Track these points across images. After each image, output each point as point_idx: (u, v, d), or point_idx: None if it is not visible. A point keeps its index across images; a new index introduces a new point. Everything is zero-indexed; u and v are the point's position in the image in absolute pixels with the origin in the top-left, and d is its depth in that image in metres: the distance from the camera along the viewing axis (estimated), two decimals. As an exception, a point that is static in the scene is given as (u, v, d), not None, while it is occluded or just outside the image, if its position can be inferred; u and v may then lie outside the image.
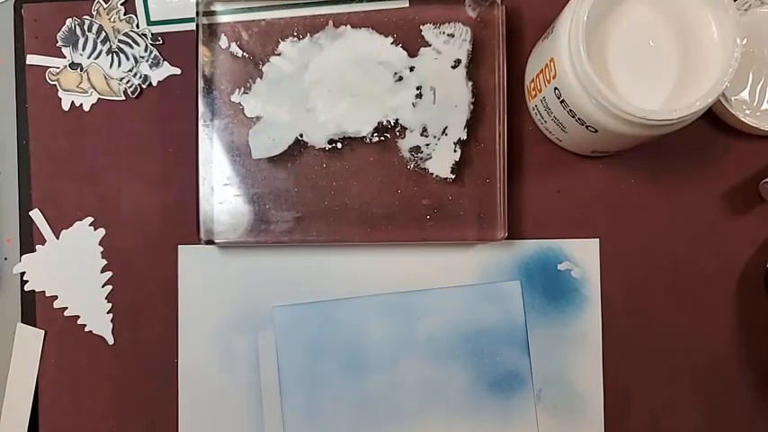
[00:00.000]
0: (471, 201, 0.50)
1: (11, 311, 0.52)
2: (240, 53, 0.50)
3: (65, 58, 0.52)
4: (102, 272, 0.52)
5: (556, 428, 0.52)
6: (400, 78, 0.49)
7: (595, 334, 0.52)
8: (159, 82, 0.52)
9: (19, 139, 0.52)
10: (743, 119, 0.49)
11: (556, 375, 0.52)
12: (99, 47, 0.52)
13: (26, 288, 0.52)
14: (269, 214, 0.49)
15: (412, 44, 0.50)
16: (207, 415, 0.51)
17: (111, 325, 0.52)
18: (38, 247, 0.52)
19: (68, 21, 0.52)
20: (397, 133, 0.50)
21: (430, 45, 0.50)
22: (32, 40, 0.52)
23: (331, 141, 0.49)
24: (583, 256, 0.52)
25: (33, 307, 0.52)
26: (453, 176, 0.49)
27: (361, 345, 0.51)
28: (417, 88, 0.49)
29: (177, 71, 0.52)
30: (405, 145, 0.50)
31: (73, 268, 0.52)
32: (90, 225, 0.52)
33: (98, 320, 0.52)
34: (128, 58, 0.52)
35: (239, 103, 0.49)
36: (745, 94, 0.51)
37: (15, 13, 0.52)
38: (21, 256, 0.52)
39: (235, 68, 0.50)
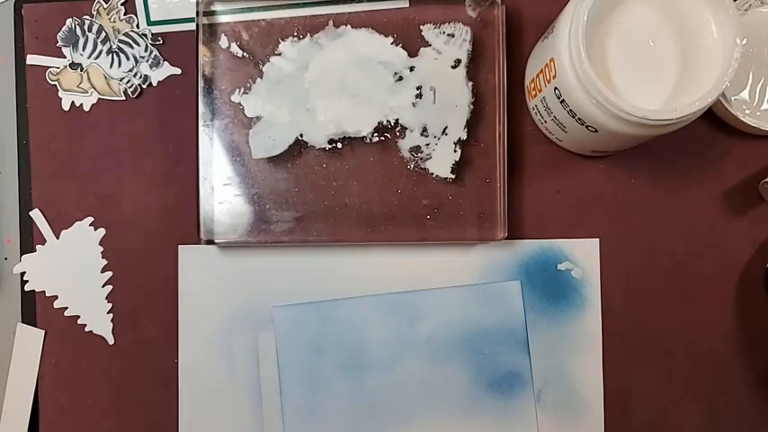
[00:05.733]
0: (471, 201, 0.50)
1: (11, 311, 0.52)
2: (240, 53, 0.50)
3: (65, 58, 0.52)
4: (102, 272, 0.52)
5: (556, 428, 0.52)
6: (400, 78, 0.49)
7: (595, 334, 0.52)
8: (159, 82, 0.52)
9: (19, 139, 0.52)
10: (743, 119, 0.49)
11: (556, 375, 0.52)
12: (99, 47, 0.52)
13: (26, 288, 0.52)
14: (269, 214, 0.49)
15: (412, 44, 0.50)
16: (207, 415, 0.51)
17: (111, 325, 0.52)
18: (38, 247, 0.52)
19: (68, 21, 0.52)
20: (397, 133, 0.50)
21: (430, 45, 0.50)
22: (32, 40, 0.52)
23: (331, 141, 0.49)
24: (583, 256, 0.52)
25: (33, 307, 0.52)
26: (453, 176, 0.49)
27: (361, 345, 0.51)
28: (417, 88, 0.49)
29: (177, 71, 0.52)
30: (405, 145, 0.50)
31: (73, 268, 0.52)
32: (90, 225, 0.52)
33: (98, 320, 0.52)
34: (128, 58, 0.52)
35: (239, 103, 0.49)
36: (745, 94, 0.51)
37: (15, 13, 0.52)
38: (21, 256, 0.52)
39: (235, 68, 0.50)
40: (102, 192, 0.52)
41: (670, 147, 0.52)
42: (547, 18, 0.47)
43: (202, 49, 0.49)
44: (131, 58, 0.52)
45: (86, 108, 0.52)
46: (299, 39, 0.50)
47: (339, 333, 0.51)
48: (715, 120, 0.51)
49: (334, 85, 0.49)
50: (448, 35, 0.50)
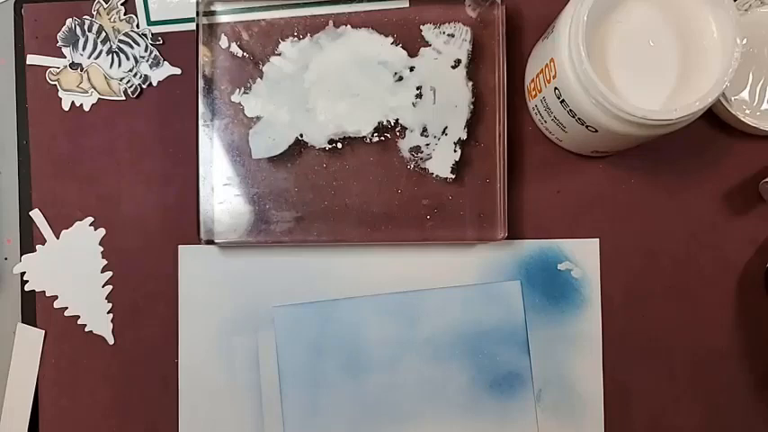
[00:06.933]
0: (471, 201, 0.50)
1: (11, 311, 0.52)
2: (240, 53, 0.50)
3: (65, 58, 0.52)
4: (102, 272, 0.52)
5: (556, 428, 0.52)
6: (400, 78, 0.49)
7: (595, 334, 0.52)
8: (159, 82, 0.52)
9: (19, 139, 0.52)
10: (743, 119, 0.49)
11: (556, 375, 0.52)
12: (99, 47, 0.52)
13: (26, 288, 0.52)
14: (269, 214, 0.49)
15: (412, 44, 0.50)
16: (207, 415, 0.51)
17: (111, 325, 0.52)
18: (38, 247, 0.52)
19: (68, 21, 0.52)
20: (397, 133, 0.50)
21: (430, 45, 0.50)
22: (32, 40, 0.52)
23: (331, 141, 0.49)
24: (583, 256, 0.52)
25: (33, 307, 0.52)
26: (453, 176, 0.49)
27: (361, 345, 0.51)
28: (417, 88, 0.49)
29: (177, 71, 0.52)
30: (405, 145, 0.50)
31: (73, 268, 0.52)
32: (90, 225, 0.52)
33: (98, 320, 0.52)
34: (128, 58, 0.52)
35: (239, 103, 0.49)
36: (745, 94, 0.51)
37: (15, 13, 0.52)
38: (21, 256, 0.52)
39: (235, 68, 0.50)
40: (102, 192, 0.52)
41: (670, 147, 0.52)
42: (547, 18, 0.47)
43: (202, 49, 0.49)
44: (131, 58, 0.52)
45: (86, 108, 0.52)
46: (299, 39, 0.50)
47: (339, 333, 0.51)
48: (715, 120, 0.51)
49: (334, 85, 0.49)
50: (448, 35, 0.50)
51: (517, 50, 0.52)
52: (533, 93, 0.49)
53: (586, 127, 0.44)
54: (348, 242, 0.50)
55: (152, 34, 0.52)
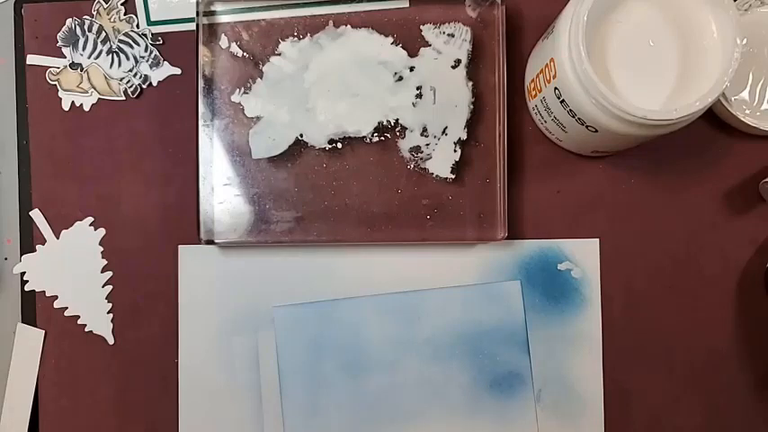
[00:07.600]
0: (471, 201, 0.50)
1: (11, 311, 0.52)
2: (240, 53, 0.50)
3: (65, 58, 0.52)
4: (102, 272, 0.52)
5: (556, 428, 0.52)
6: (400, 78, 0.49)
7: (595, 334, 0.52)
8: (159, 82, 0.52)
9: (19, 139, 0.52)
10: (743, 119, 0.49)
11: (556, 375, 0.52)
12: (99, 47, 0.52)
13: (26, 288, 0.52)
14: (269, 214, 0.49)
15: (412, 44, 0.50)
16: (207, 415, 0.51)
17: (111, 325, 0.52)
18: (38, 247, 0.52)
19: (68, 21, 0.52)
20: (398, 133, 0.50)
21: (430, 45, 0.50)
22: (32, 40, 0.52)
23: (331, 141, 0.49)
24: (583, 256, 0.52)
25: (33, 307, 0.52)
26: (453, 176, 0.49)
27: (361, 345, 0.51)
28: (417, 88, 0.49)
29: (177, 71, 0.52)
30: (405, 145, 0.50)
31: (73, 268, 0.52)
32: (90, 225, 0.52)
33: (98, 320, 0.52)
34: (128, 58, 0.52)
35: (239, 103, 0.49)
36: (745, 94, 0.51)
37: (15, 13, 0.52)
38: (21, 256, 0.52)
39: (235, 68, 0.50)
40: (102, 192, 0.52)
41: (670, 147, 0.52)
42: (547, 18, 0.47)
43: (202, 49, 0.49)
44: (131, 58, 0.52)
45: (86, 108, 0.52)
46: (299, 39, 0.50)
47: (339, 333, 0.51)
48: (715, 120, 0.51)
49: (334, 85, 0.49)
50: (448, 35, 0.50)
51: (517, 50, 0.52)
52: (533, 93, 0.49)
53: (586, 127, 0.44)
54: (348, 242, 0.50)
55: (152, 34, 0.52)
